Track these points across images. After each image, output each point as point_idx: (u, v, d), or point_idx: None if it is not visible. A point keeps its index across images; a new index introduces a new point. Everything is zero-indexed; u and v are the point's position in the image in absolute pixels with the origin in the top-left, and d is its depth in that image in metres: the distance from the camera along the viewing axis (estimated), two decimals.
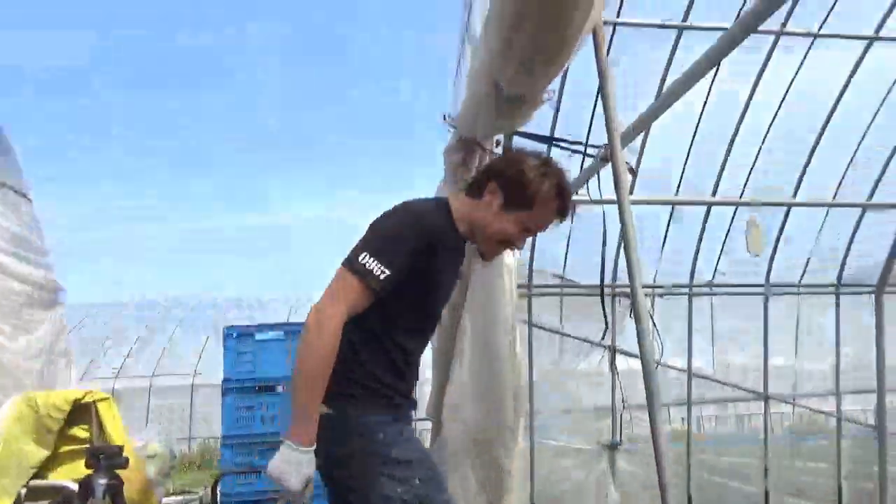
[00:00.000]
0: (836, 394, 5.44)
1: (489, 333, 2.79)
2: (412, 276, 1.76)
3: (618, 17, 4.09)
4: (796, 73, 4.58)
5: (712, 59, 1.96)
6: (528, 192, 1.81)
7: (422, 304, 1.84)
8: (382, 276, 1.69)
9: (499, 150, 3.33)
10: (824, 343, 5.63)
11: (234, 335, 3.06)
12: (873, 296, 5.39)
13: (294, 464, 1.61)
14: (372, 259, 1.70)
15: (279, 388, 3.14)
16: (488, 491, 2.81)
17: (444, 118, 3.21)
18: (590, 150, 3.61)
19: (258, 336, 3.10)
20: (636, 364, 5.32)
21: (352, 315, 1.69)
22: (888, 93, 4.71)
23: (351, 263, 1.71)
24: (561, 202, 1.84)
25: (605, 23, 3.78)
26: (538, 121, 4.40)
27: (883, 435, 5.30)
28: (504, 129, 2.58)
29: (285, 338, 3.15)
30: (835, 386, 5.46)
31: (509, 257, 2.81)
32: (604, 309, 3.51)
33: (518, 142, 4.21)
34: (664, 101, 2.41)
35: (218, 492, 3.03)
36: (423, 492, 1.77)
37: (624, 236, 1.71)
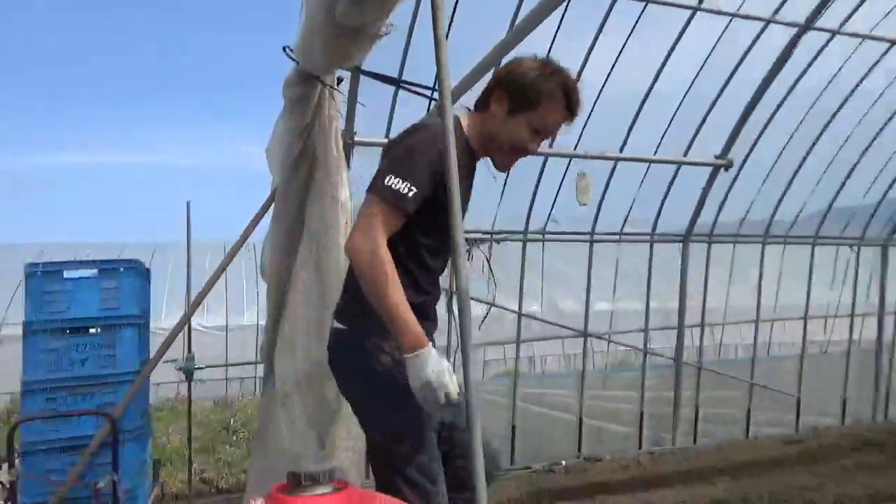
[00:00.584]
0: (645, 331, 6.06)
1: (322, 271, 2.77)
2: (433, 194, 1.77)
3: None
4: (627, 39, 4.85)
5: (540, 15, 2.02)
6: (531, 92, 1.82)
7: (442, 223, 1.76)
8: (411, 195, 1.72)
9: (342, 89, 3.26)
10: (641, 287, 6.21)
11: (39, 273, 2.77)
12: (681, 243, 6.02)
13: (426, 368, 1.60)
14: (398, 180, 1.71)
15: (92, 330, 2.90)
16: (318, 428, 2.83)
17: (285, 49, 3.07)
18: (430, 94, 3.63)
19: (67, 274, 2.84)
20: (476, 308, 5.58)
21: (388, 237, 1.71)
22: (705, 60, 5.14)
23: (379, 190, 1.73)
24: (567, 99, 1.85)
25: None
26: (389, 60, 4.37)
27: (679, 366, 6.01)
28: (342, 61, 2.51)
29: (100, 276, 2.90)
30: (644, 323, 6.07)
31: (344, 192, 2.78)
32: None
33: (364, 81, 4.14)
34: (498, 53, 2.45)
35: (15, 441, 2.79)
36: (413, 422, 1.78)
37: (448, 182, 1.73)
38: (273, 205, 3.26)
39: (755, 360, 6.56)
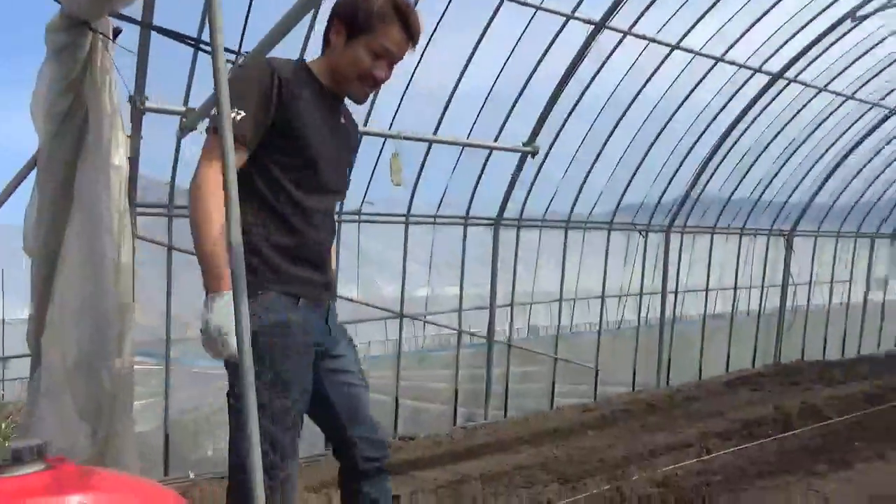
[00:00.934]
0: (459, 312, 6.24)
1: (94, 244, 2.47)
2: (277, 126, 1.76)
3: None
4: (437, 25, 4.89)
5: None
6: (361, 15, 1.79)
7: (301, 156, 1.81)
8: (239, 118, 1.68)
9: (116, 42, 2.91)
10: (456, 269, 6.37)
11: None
12: (493, 227, 6.25)
13: (211, 314, 1.59)
14: None
15: None
16: (91, 419, 2.53)
17: None
18: (234, 57, 3.39)
19: None
20: None
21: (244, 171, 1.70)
22: (512, 50, 5.35)
23: (212, 122, 1.73)
24: (401, 16, 1.81)
25: None
26: (187, 18, 4.02)
27: (490, 343, 6.27)
28: (107, 4, 2.22)
29: None
30: (458, 305, 6.24)
31: (118, 155, 2.49)
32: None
33: (158, 41, 3.77)
34: (296, 14, 2.31)
35: None
36: (268, 392, 1.73)
37: (224, 157, 1.61)
38: (35, 171, 2.85)
39: (559, 337, 7.02)
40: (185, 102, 4.24)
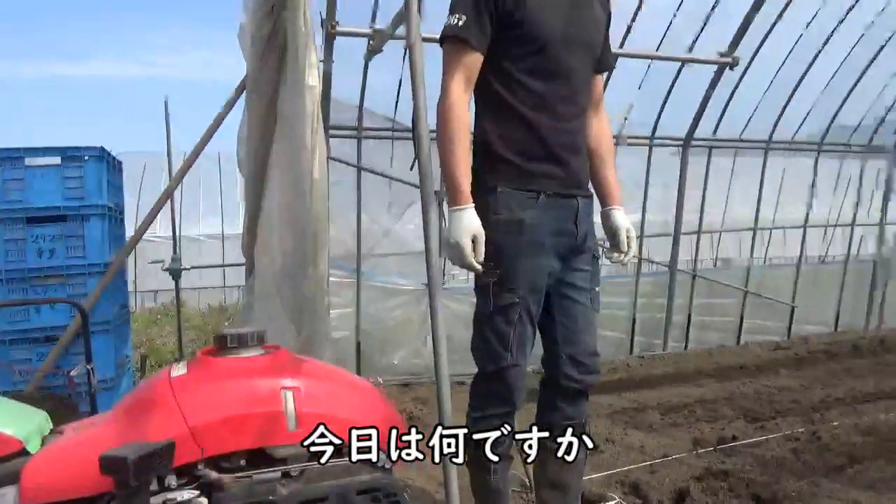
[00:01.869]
0: (640, 237, 5.96)
1: (294, 161, 2.65)
2: (503, 17, 1.75)
3: None
4: None
5: None
6: None
7: (532, 42, 1.78)
8: (461, 23, 1.73)
9: None
10: (639, 193, 6.07)
11: None
12: (681, 148, 5.83)
13: (456, 224, 1.69)
14: (450, 17, 1.76)
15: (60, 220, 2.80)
16: (295, 319, 2.79)
17: None
18: None
19: (28, 160, 2.71)
20: None
21: (470, 83, 1.77)
22: None
23: (442, 36, 1.79)
24: None
25: None
26: None
27: (673, 273, 5.96)
28: None
29: (62, 165, 2.78)
30: (640, 230, 5.97)
31: (312, 76, 2.61)
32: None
33: None
34: None
35: None
36: (496, 287, 1.79)
37: (413, 79, 1.65)
38: (245, 94, 3.10)
39: (751, 270, 6.50)
40: (372, 22, 4.34)
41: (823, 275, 7.05)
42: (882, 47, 5.86)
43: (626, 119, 5.56)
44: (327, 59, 4.37)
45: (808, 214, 6.72)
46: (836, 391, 4.42)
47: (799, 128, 6.32)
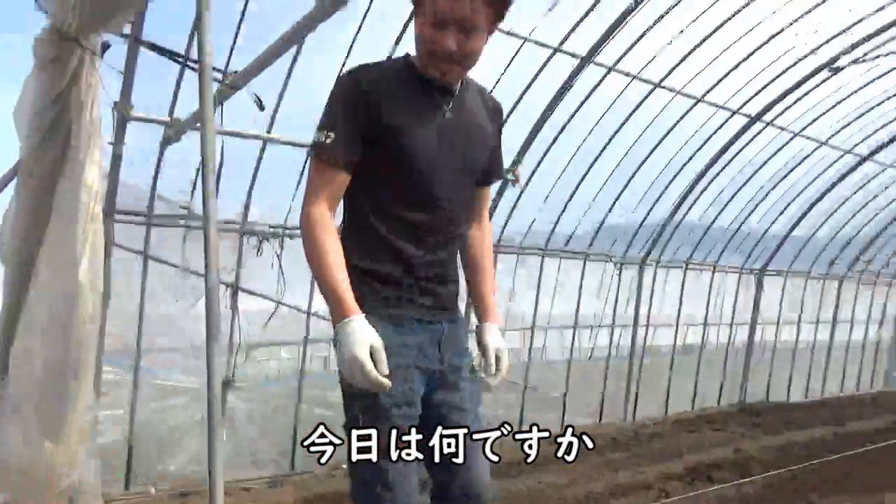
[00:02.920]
0: None
1: (66, 258, 2.45)
2: (371, 136, 1.66)
3: None
4: None
5: (322, 15, 1.97)
6: None
7: (400, 166, 1.68)
8: (329, 141, 1.63)
9: (104, 58, 2.91)
10: None
11: None
12: None
13: (348, 338, 1.53)
14: (319, 133, 1.65)
15: None
16: (53, 434, 2.50)
17: (38, 1, 2.68)
18: (221, 77, 3.41)
19: None
20: (261, 303, 5.34)
21: (334, 201, 1.66)
22: (500, 76, 5.43)
23: (309, 149, 1.68)
24: None
25: None
26: (176, 29, 4.03)
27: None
28: (101, 23, 2.24)
29: None
30: None
31: (92, 173, 2.48)
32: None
33: (145, 52, 3.77)
34: (280, 46, 2.36)
35: None
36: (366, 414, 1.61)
37: (203, 167, 1.64)
38: (16, 179, 2.84)
39: (530, 365, 7.06)
40: (171, 113, 4.24)
41: (591, 369, 7.86)
42: (631, 177, 6.95)
43: None
44: (118, 143, 4.17)
45: (577, 314, 7.54)
46: (597, 485, 4.88)
47: (570, 238, 7.17)
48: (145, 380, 4.66)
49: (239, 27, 4.08)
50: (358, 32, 4.50)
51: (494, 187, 5.96)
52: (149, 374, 4.76)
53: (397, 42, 4.63)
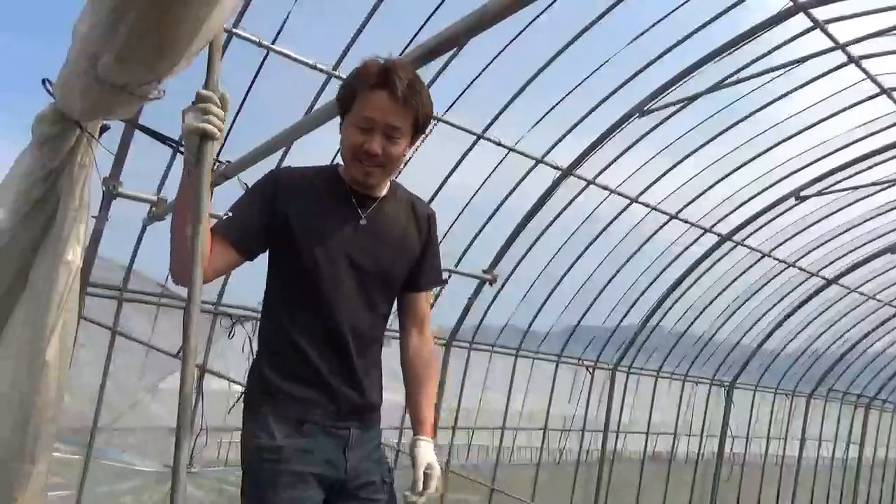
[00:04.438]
0: (400, 429, 6.12)
1: (32, 338, 2.42)
2: (275, 231, 1.71)
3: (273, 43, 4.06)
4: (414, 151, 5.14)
5: (317, 120, 2.08)
6: (344, 94, 1.72)
7: (303, 267, 1.71)
8: (226, 219, 1.70)
9: (106, 138, 3.01)
10: (400, 385, 6.31)
11: None
12: (444, 347, 6.29)
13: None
14: (226, 211, 1.73)
15: None
16: None
17: (45, 83, 2.78)
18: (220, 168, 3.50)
19: None
20: (223, 384, 5.23)
21: (212, 270, 1.65)
22: (482, 183, 5.62)
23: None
24: (374, 78, 1.64)
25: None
26: (171, 113, 4.17)
27: None
28: (103, 114, 2.32)
29: None
30: (400, 423, 6.12)
31: (73, 251, 2.49)
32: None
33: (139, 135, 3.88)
34: (276, 142, 2.46)
35: None
36: None
37: (192, 252, 1.65)
38: None
39: (498, 465, 6.92)
40: (159, 191, 4.30)
41: (560, 473, 7.71)
42: (605, 285, 7.09)
43: None
44: (101, 217, 4.20)
45: (547, 416, 7.46)
46: None
47: (543, 340, 7.21)
48: (98, 461, 4.48)
49: (234, 120, 4.21)
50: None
51: (467, 288, 6.11)
52: (103, 454, 4.59)
53: None
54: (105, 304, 4.63)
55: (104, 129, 3.03)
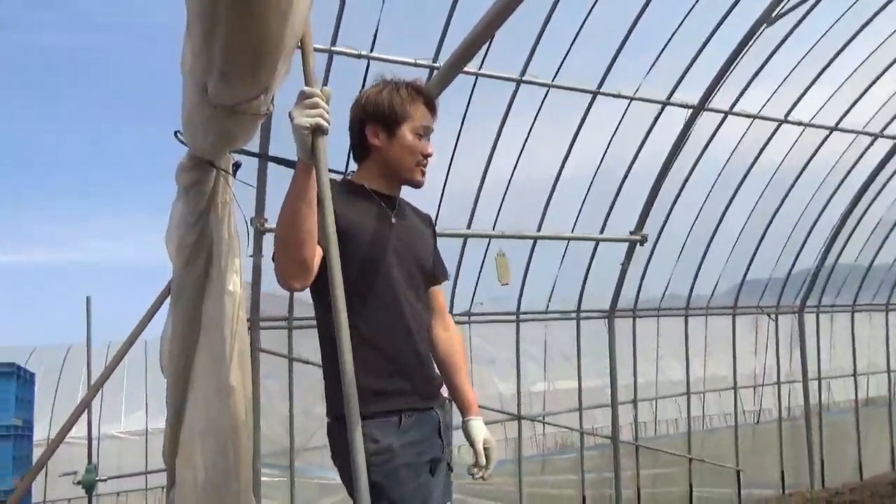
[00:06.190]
0: (579, 410, 5.97)
1: (216, 368, 2.60)
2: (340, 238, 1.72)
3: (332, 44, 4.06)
4: (533, 123, 5.00)
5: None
6: (397, 107, 1.89)
7: (362, 267, 1.82)
8: None
9: (241, 174, 3.19)
10: (572, 365, 6.16)
11: None
12: (606, 319, 6.05)
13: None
14: None
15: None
16: None
17: (176, 134, 3.00)
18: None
19: None
20: None
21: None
22: (610, 140, 5.36)
23: None
24: (423, 96, 1.92)
25: (319, 50, 3.77)
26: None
27: (616, 444, 5.90)
28: (227, 144, 2.45)
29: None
30: (578, 403, 5.98)
31: (233, 282, 2.65)
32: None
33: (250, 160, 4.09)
34: None
35: None
36: None
37: (331, 280, 1.64)
38: (170, 297, 3.10)
39: (691, 434, 6.52)
40: None
41: (761, 434, 7.11)
42: (771, 220, 6.47)
43: (550, 297, 5.80)
44: (257, 254, 4.48)
45: (735, 374, 6.92)
46: None
47: (712, 295, 6.71)
48: (302, 480, 4.76)
49: None
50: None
51: (622, 250, 5.80)
52: (304, 474, 4.87)
53: None
54: (277, 334, 4.93)
55: (237, 166, 3.23)
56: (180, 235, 2.94)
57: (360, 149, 1.97)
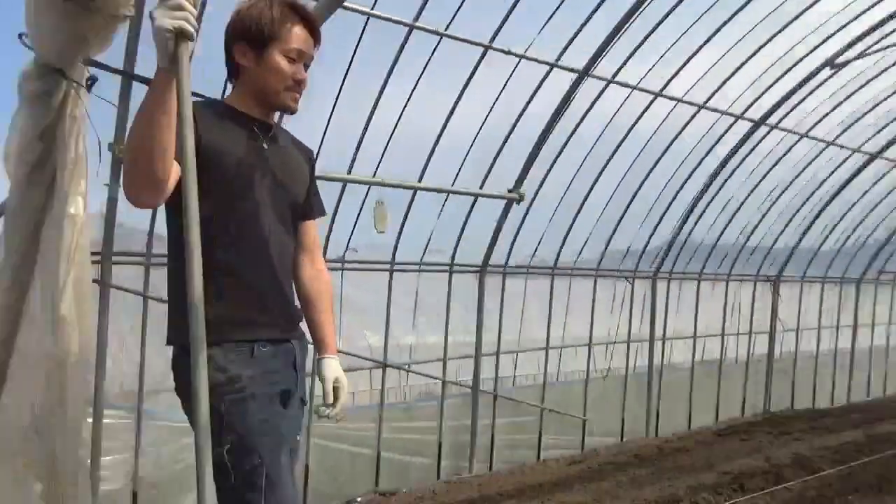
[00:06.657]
0: (444, 360, 6.11)
1: (54, 297, 2.36)
2: (201, 163, 1.59)
3: None
4: (421, 75, 4.89)
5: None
6: (265, 25, 1.76)
7: (227, 187, 1.74)
8: None
9: (92, 91, 2.86)
10: (441, 318, 6.26)
11: None
12: (478, 274, 6.18)
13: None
14: None
15: None
16: (45, 480, 2.39)
17: (21, 37, 2.64)
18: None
19: None
20: None
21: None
22: (497, 98, 5.37)
23: None
24: (299, 15, 1.80)
25: None
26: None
27: (476, 394, 6.12)
28: (78, 48, 2.19)
29: None
30: (443, 354, 6.11)
31: (75, 206, 2.41)
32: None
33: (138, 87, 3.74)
34: None
35: None
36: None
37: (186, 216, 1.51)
38: (3, 219, 2.77)
39: (546, 387, 6.89)
40: None
41: (609, 388, 7.66)
42: (637, 190, 6.84)
43: (426, 249, 5.82)
44: (114, 182, 4.11)
45: (591, 333, 7.37)
46: (622, 503, 4.69)
47: (579, 255, 7.04)
48: (151, 423, 4.53)
49: None
50: None
51: (499, 208, 5.91)
52: (155, 415, 4.63)
53: None
54: (133, 271, 4.60)
55: (92, 80, 2.89)
56: (21, 149, 2.62)
57: (229, 69, 1.86)
